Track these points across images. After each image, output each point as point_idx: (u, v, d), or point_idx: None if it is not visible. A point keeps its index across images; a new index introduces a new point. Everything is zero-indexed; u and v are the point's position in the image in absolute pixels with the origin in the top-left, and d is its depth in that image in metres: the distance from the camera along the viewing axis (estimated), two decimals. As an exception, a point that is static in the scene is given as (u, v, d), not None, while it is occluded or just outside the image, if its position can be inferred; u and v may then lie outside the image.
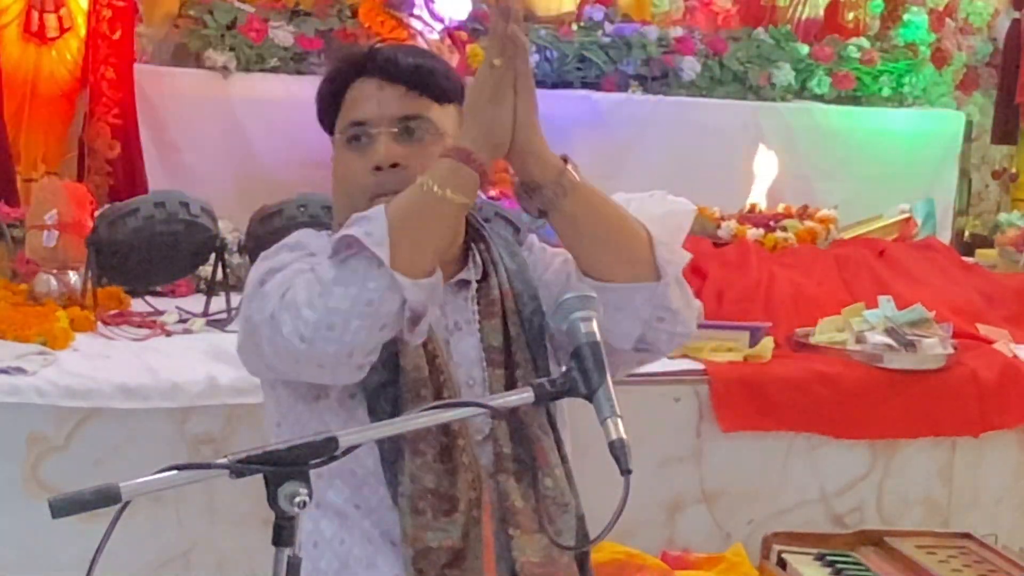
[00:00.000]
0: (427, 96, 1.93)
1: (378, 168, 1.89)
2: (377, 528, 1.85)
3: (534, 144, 1.80)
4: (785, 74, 6.24)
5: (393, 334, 1.74)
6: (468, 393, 1.89)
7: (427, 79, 1.93)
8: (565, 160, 1.83)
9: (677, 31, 6.20)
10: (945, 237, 6.11)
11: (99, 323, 3.99)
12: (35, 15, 4.97)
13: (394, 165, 1.88)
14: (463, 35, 5.60)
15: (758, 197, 5.79)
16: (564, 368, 1.60)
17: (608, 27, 6.10)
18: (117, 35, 5.02)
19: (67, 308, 3.98)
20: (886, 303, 4.35)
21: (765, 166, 5.95)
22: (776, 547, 3.76)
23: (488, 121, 1.77)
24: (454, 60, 5.40)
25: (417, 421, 1.57)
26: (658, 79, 6.07)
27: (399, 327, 1.72)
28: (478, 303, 1.94)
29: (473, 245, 1.99)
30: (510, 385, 1.90)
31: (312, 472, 1.78)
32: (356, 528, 1.86)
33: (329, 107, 1.98)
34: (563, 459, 1.94)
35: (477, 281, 1.96)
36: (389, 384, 1.84)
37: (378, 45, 2.01)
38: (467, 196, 1.76)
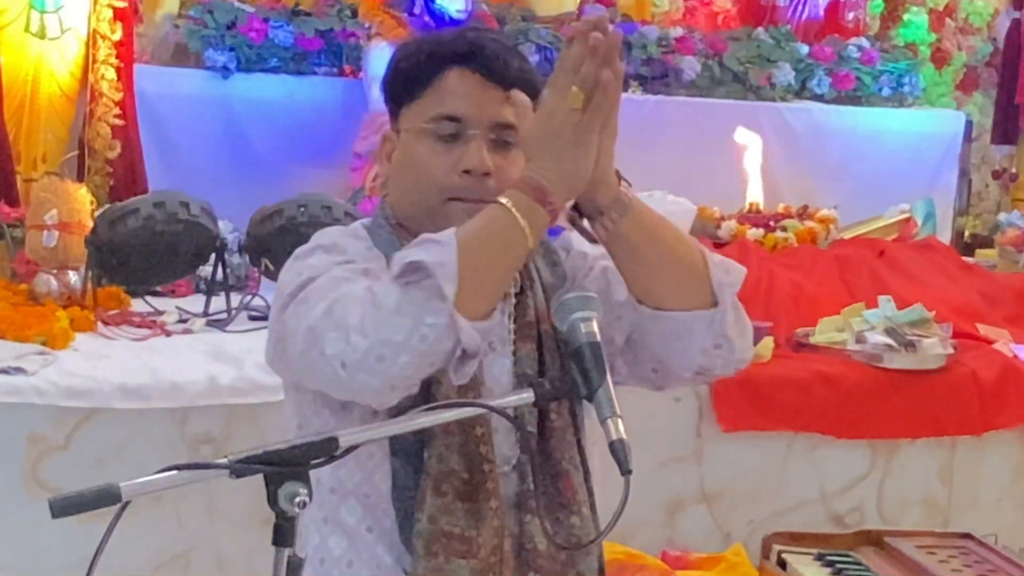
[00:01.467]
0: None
1: (467, 172, 1.76)
2: (390, 555, 1.77)
3: (607, 174, 1.69)
4: (785, 74, 6.25)
5: (436, 369, 1.62)
6: (499, 425, 1.76)
7: (528, 88, 1.80)
8: (618, 175, 1.72)
9: (677, 31, 6.20)
10: (945, 237, 6.11)
11: (99, 323, 3.99)
12: (35, 15, 4.97)
13: (485, 174, 1.76)
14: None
15: (757, 196, 5.79)
16: (564, 368, 1.59)
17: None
18: (117, 35, 5.03)
19: (67, 308, 3.98)
20: (886, 303, 4.35)
21: (763, 165, 5.96)
22: (776, 547, 3.76)
23: (569, 167, 1.64)
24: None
25: (417, 422, 1.55)
26: (658, 79, 6.07)
27: (446, 364, 1.61)
28: (515, 320, 1.82)
29: None
30: (542, 414, 1.79)
31: (326, 488, 1.75)
32: (366, 551, 1.78)
33: (408, 86, 1.82)
34: (590, 493, 1.84)
35: (516, 294, 1.83)
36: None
37: (476, 34, 1.84)
38: (537, 232, 1.63)
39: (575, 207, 1.72)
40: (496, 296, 1.64)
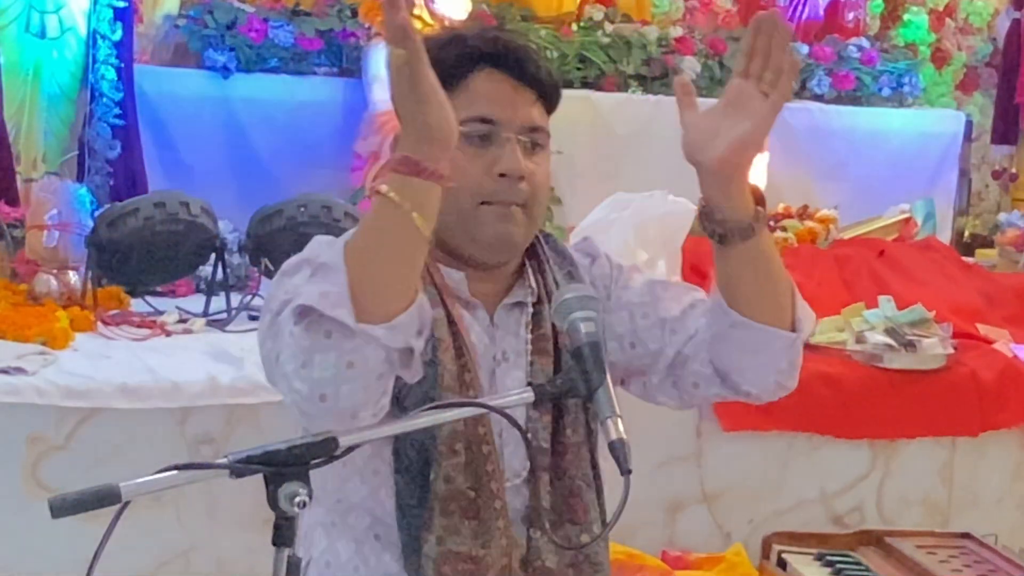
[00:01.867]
0: (548, 107, 1.81)
1: (502, 176, 1.74)
2: (398, 562, 1.77)
3: (746, 171, 1.70)
4: (785, 74, 6.24)
5: (394, 376, 1.58)
6: (509, 438, 1.77)
7: (554, 90, 1.81)
8: (757, 194, 1.73)
9: (677, 31, 6.21)
10: (945, 237, 6.11)
11: (99, 323, 3.98)
12: (35, 15, 4.98)
13: (520, 177, 1.74)
14: (463, 35, 5.61)
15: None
16: (565, 368, 1.59)
17: (608, 27, 6.11)
18: (117, 35, 5.03)
19: (67, 308, 3.98)
20: (886, 303, 4.34)
21: (763, 166, 5.95)
22: (776, 547, 3.76)
23: (421, 121, 1.51)
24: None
25: (419, 421, 1.55)
26: (658, 79, 6.07)
27: (396, 369, 1.57)
28: (531, 331, 1.81)
29: (528, 262, 1.85)
30: (556, 432, 1.79)
31: (332, 498, 1.76)
32: (373, 557, 1.78)
33: None
34: (602, 511, 1.83)
35: (533, 304, 1.82)
36: (417, 432, 1.69)
37: (502, 36, 1.80)
38: (429, 214, 1.53)
39: (704, 213, 1.74)
40: (405, 289, 1.55)
